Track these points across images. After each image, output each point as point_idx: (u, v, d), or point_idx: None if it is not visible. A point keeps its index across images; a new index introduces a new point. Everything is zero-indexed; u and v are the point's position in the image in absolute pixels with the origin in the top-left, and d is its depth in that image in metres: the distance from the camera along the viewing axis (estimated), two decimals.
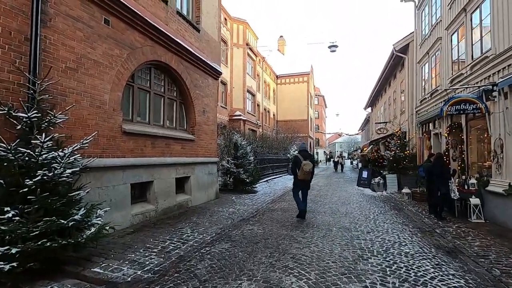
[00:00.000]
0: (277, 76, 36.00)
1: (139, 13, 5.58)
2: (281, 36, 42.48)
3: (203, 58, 8.16)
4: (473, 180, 7.01)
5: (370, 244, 4.81)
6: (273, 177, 17.50)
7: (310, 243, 4.78)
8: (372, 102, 27.26)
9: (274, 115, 34.94)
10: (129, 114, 5.94)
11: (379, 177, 13.18)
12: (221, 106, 19.77)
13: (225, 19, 20.55)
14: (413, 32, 13.76)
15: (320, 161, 51.16)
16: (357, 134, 50.49)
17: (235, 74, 21.68)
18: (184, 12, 7.76)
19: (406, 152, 12.68)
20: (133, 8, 5.40)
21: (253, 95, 24.54)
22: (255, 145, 15.10)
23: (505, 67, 6.22)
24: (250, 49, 22.99)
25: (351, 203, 9.11)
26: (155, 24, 6.06)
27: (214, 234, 5.22)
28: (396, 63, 16.08)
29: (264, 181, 15.22)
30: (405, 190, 10.06)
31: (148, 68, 6.56)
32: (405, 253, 4.41)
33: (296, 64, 37.88)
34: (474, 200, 6.63)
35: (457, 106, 6.70)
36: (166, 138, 6.76)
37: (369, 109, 31.40)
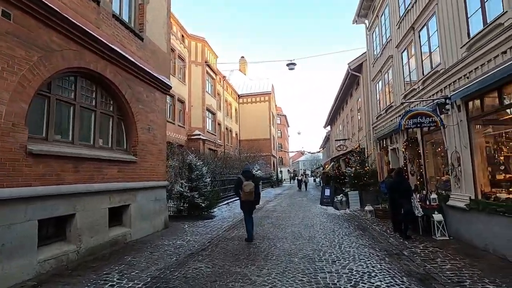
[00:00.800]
0: (239, 96, 35.84)
1: (57, 10, 4.61)
2: (242, 57, 43.01)
3: (148, 70, 7.27)
4: (434, 195, 6.82)
5: (336, 278, 4.10)
6: (235, 199, 16.50)
7: (267, 283, 3.94)
8: (331, 120, 28.04)
9: (236, 134, 34.34)
10: (42, 131, 4.77)
11: (341, 195, 12.94)
12: (178, 125, 18.66)
13: (182, 36, 19.94)
14: (365, 52, 14.31)
15: (284, 179, 51.22)
16: (318, 152, 51.77)
17: (193, 93, 20.84)
18: (125, 18, 6.89)
19: (366, 168, 12.66)
20: (47, 3, 4.43)
21: (214, 113, 23.79)
22: (214, 165, 14.14)
23: (455, 80, 6.25)
24: (209, 67, 22.48)
25: (315, 225, 8.50)
26: (81, 25, 5.11)
27: (148, 279, 4.14)
28: (352, 81, 16.57)
29: (225, 204, 14.20)
30: (368, 207, 9.78)
31: (73, 77, 5.50)
32: (376, 287, 3.76)
33: (257, 84, 38.25)
34: (437, 216, 6.37)
35: (414, 120, 6.57)
36: (97, 160, 5.62)
37: (328, 127, 32.33)
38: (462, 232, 6.03)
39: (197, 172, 10.22)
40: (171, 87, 8.55)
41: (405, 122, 6.64)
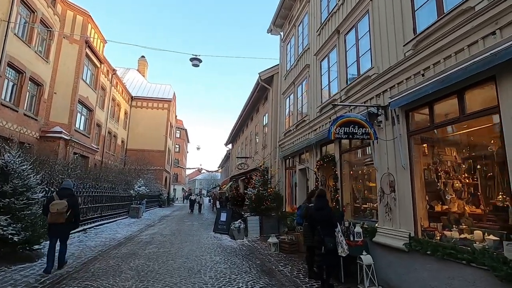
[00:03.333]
0: (132, 97, 30.61)
1: None
2: (142, 56, 37.99)
3: None
4: (358, 228, 5.33)
5: None
6: (101, 222, 12.11)
7: None
8: (234, 137, 26.64)
9: (123, 141, 28.70)
10: None
11: (239, 220, 10.81)
12: (25, 115, 13.06)
13: None
14: (278, 64, 13.32)
15: (177, 198, 46.59)
16: (217, 171, 49.89)
17: (61, 76, 15.50)
18: None
19: (269, 190, 11.02)
20: None
21: (91, 110, 18.50)
22: (67, 174, 9.78)
23: (394, 86, 5.09)
24: (92, 49, 17.57)
25: (203, 269, 5.84)
26: None
27: None
28: (260, 95, 15.35)
29: (81, 231, 9.86)
30: (272, 239, 7.83)
31: None
32: None
33: (157, 89, 33.95)
34: (367, 258, 4.79)
35: (345, 129, 5.06)
36: None
37: (230, 145, 30.91)
38: (396, 281, 4.57)
39: (18, 181, 6.11)
40: None
41: (335, 129, 5.03)
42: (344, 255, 4.60)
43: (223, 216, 11.66)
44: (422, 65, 4.45)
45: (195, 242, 9.08)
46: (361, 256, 4.82)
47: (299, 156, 9.70)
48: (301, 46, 10.44)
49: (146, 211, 20.14)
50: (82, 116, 17.74)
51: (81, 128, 17.51)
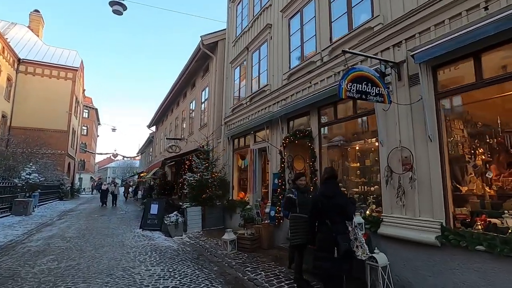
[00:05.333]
0: (20, 60, 23.56)
1: None
2: (36, 10, 29.71)
3: None
4: (358, 218, 4.13)
5: None
6: None
7: None
8: (160, 117, 23.33)
9: (4, 116, 21.92)
10: None
11: (175, 213, 8.71)
12: None
13: None
14: (224, 29, 11.33)
15: (84, 189, 39.64)
16: (136, 156, 44.40)
17: None
18: None
19: (213, 175, 9.21)
20: None
21: None
22: None
23: (413, 36, 3.95)
24: None
25: None
26: None
27: None
28: (199, 66, 13.07)
29: None
30: (228, 235, 6.13)
31: None
32: None
33: (58, 53, 27.13)
34: (381, 258, 3.61)
35: (358, 86, 3.72)
36: None
37: (154, 128, 27.24)
38: (419, 284, 3.52)
39: None
40: None
41: (346, 85, 3.62)
42: (365, 258, 3.31)
43: (154, 208, 9.30)
44: (464, 4, 3.40)
45: (118, 245, 6.63)
46: (373, 255, 3.62)
47: (255, 134, 8.15)
48: (259, 5, 8.76)
49: (40, 205, 15.62)
50: None
51: None
